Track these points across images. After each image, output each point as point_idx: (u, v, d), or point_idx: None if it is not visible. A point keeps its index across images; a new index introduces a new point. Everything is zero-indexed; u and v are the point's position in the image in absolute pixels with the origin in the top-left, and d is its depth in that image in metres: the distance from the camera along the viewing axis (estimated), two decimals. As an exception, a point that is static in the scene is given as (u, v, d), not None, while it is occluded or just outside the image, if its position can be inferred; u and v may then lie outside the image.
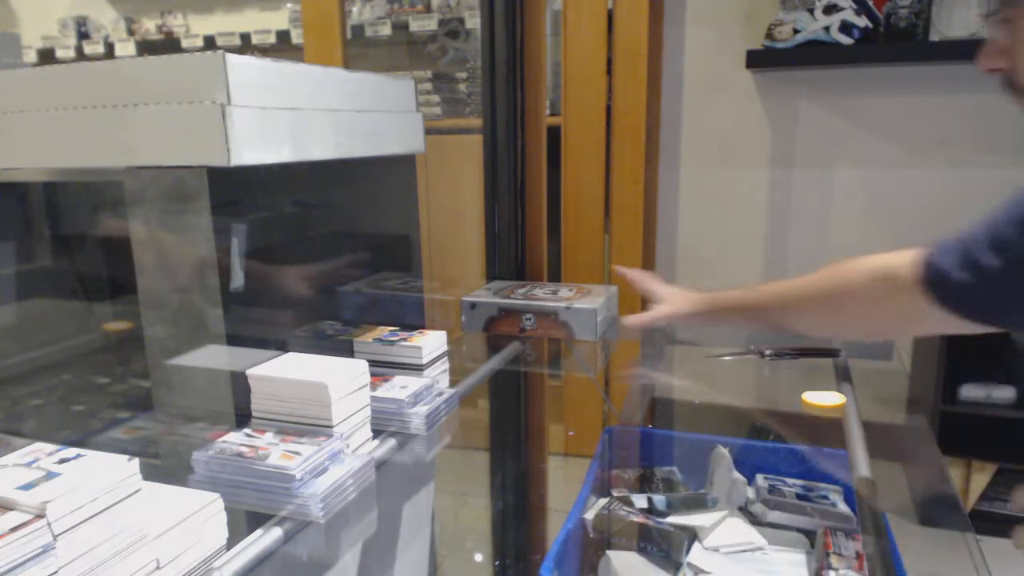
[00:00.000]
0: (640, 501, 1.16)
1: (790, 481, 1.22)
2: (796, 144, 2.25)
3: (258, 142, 0.81)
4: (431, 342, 1.02)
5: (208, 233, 0.80)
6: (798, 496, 1.17)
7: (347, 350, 1.01)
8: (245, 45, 3.16)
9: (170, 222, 0.81)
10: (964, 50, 1.97)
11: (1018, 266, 0.79)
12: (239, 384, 0.83)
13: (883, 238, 2.18)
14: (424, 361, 1.00)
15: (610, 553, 1.08)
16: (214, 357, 0.83)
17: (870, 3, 1.99)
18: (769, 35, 2.07)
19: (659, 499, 1.15)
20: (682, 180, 2.38)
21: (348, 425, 0.83)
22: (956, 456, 2.04)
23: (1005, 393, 1.98)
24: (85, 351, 1.12)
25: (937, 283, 0.85)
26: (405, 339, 1.01)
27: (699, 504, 1.15)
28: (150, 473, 0.62)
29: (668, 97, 2.34)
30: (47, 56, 3.48)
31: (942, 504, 1.18)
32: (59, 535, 0.52)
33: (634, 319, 1.21)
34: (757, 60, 2.10)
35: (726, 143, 2.31)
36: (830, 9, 2.00)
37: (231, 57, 0.76)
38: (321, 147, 0.93)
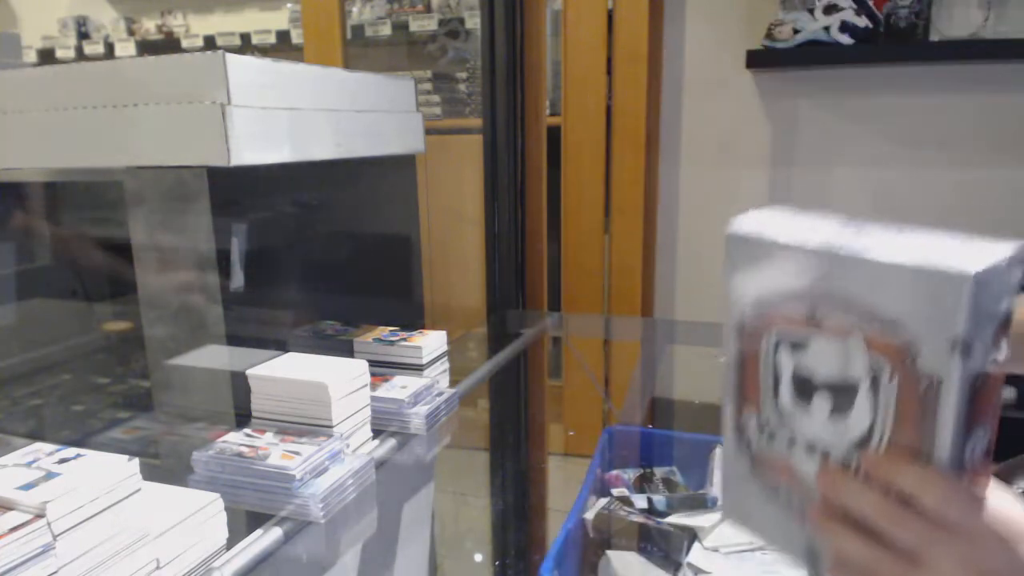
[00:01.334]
0: (640, 501, 1.16)
1: (790, 481, 1.22)
2: (796, 144, 2.25)
3: (258, 142, 0.81)
4: (431, 342, 1.02)
5: (208, 233, 0.80)
6: (798, 496, 1.17)
7: (347, 350, 1.01)
8: (245, 45, 3.16)
9: (170, 222, 0.81)
10: (964, 50, 1.97)
11: None
12: (239, 384, 0.83)
13: (883, 238, 2.18)
14: (424, 361, 1.00)
15: (610, 553, 1.08)
16: (214, 357, 0.83)
17: (870, 3, 1.99)
18: (769, 35, 2.07)
19: (659, 499, 1.15)
20: (682, 180, 2.38)
21: (348, 425, 0.83)
22: (956, 456, 2.03)
23: (1005, 393, 1.99)
24: (85, 351, 1.12)
25: None
26: (405, 339, 1.01)
27: (699, 504, 1.15)
28: (150, 473, 0.62)
29: (668, 97, 2.34)
30: (47, 56, 3.48)
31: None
32: (59, 535, 0.52)
33: None
34: (757, 60, 2.10)
35: (726, 143, 2.31)
36: (830, 9, 2.00)
37: (231, 57, 0.76)
38: (321, 147, 0.93)
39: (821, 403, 0.46)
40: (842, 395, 0.44)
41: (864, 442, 0.44)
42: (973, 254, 0.39)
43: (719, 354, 0.53)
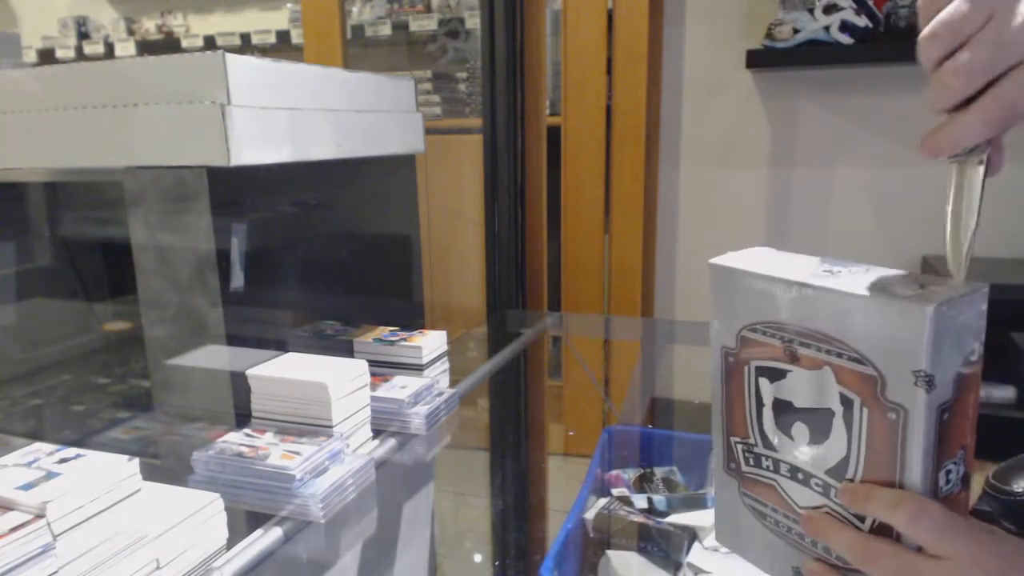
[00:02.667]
0: (640, 501, 1.16)
1: (790, 481, 1.22)
2: (796, 144, 2.25)
3: (258, 142, 0.81)
4: (431, 342, 1.02)
5: (208, 233, 0.80)
6: (798, 496, 1.17)
7: (347, 350, 1.01)
8: (245, 45, 3.16)
9: (170, 222, 0.81)
10: (964, 50, 1.97)
11: None
12: (239, 384, 0.83)
13: (883, 238, 2.18)
14: (424, 361, 1.00)
15: (610, 553, 1.08)
16: (214, 357, 0.83)
17: (870, 3, 1.99)
18: (769, 35, 2.07)
19: (659, 499, 1.15)
20: (682, 180, 2.38)
21: (348, 425, 0.83)
22: (956, 456, 2.03)
23: (1005, 393, 1.98)
24: (85, 351, 1.12)
25: None
26: (405, 339, 1.01)
27: (699, 504, 1.15)
28: (150, 473, 0.62)
29: (668, 97, 2.34)
30: (47, 56, 3.48)
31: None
32: (59, 535, 0.52)
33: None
34: (757, 60, 2.10)
35: (726, 143, 2.31)
36: (830, 9, 2.00)
37: (231, 57, 0.76)
38: (321, 147, 0.93)
39: (800, 432, 0.47)
40: (818, 424, 0.46)
41: (841, 470, 0.45)
42: (936, 290, 0.40)
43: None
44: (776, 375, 0.48)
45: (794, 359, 0.46)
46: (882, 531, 0.44)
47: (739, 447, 0.53)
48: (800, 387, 0.46)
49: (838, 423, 0.44)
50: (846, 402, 0.43)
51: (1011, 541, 0.42)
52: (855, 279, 0.43)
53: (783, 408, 0.48)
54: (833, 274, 0.44)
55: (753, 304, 0.48)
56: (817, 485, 0.47)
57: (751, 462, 0.52)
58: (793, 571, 0.51)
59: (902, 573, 0.42)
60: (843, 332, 0.42)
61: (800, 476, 0.48)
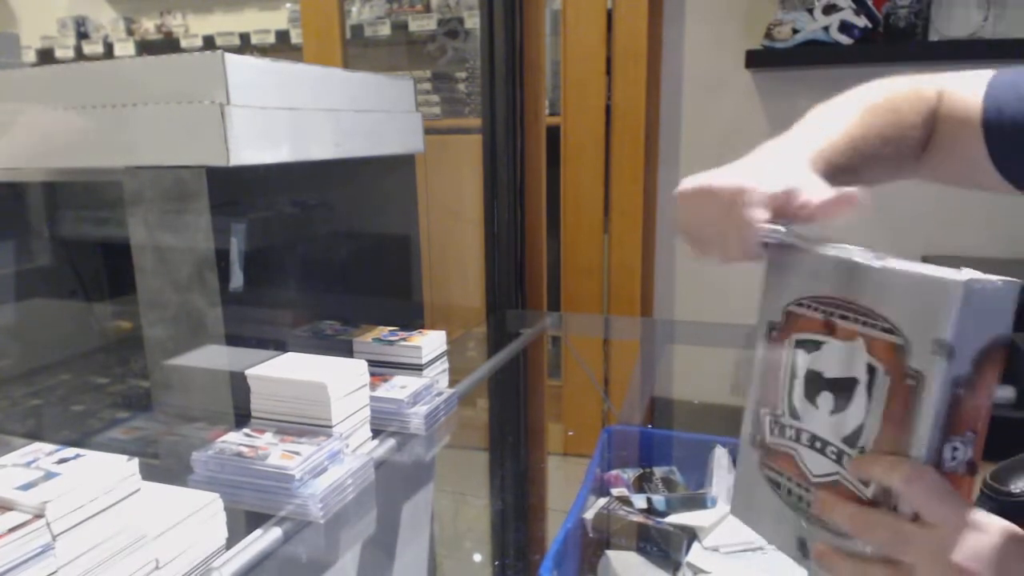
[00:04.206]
0: (639, 501, 1.16)
1: (789, 481, 1.22)
2: (795, 144, 2.24)
3: (257, 142, 0.81)
4: (430, 342, 1.02)
5: (207, 233, 0.80)
6: (797, 496, 1.17)
7: (346, 350, 1.01)
8: (244, 45, 3.16)
9: (169, 222, 0.81)
10: (963, 50, 1.97)
11: None
12: (238, 384, 0.83)
13: (882, 238, 2.18)
14: (423, 361, 1.00)
15: (609, 553, 1.08)
16: (213, 357, 0.83)
17: (869, 3, 1.99)
18: (768, 35, 2.07)
19: (658, 499, 1.15)
20: (681, 180, 2.38)
21: (347, 425, 0.83)
22: (955, 456, 2.03)
23: (1005, 393, 1.99)
24: (84, 351, 1.12)
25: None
26: (404, 339, 1.01)
27: (698, 504, 1.15)
28: (149, 473, 0.62)
29: (668, 97, 2.34)
30: (46, 56, 3.48)
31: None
32: (58, 535, 0.52)
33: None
34: (756, 60, 2.10)
35: (726, 143, 2.31)
36: (829, 9, 2.00)
37: (230, 57, 0.76)
38: (320, 147, 0.93)
39: (825, 401, 0.50)
40: (843, 394, 0.48)
41: (855, 437, 0.48)
42: (970, 272, 0.42)
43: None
44: (813, 347, 0.51)
45: (831, 331, 0.49)
46: (883, 502, 0.46)
47: (767, 419, 0.55)
48: (833, 358, 0.49)
49: (860, 391, 0.47)
50: (871, 371, 0.46)
51: (999, 520, 0.44)
52: (900, 262, 0.46)
53: (813, 379, 0.51)
54: (879, 258, 0.48)
55: (804, 279, 0.51)
56: (832, 452, 0.49)
57: (775, 432, 0.54)
58: (797, 541, 0.53)
59: (894, 539, 0.45)
60: (880, 304, 0.45)
61: (818, 444, 0.50)
